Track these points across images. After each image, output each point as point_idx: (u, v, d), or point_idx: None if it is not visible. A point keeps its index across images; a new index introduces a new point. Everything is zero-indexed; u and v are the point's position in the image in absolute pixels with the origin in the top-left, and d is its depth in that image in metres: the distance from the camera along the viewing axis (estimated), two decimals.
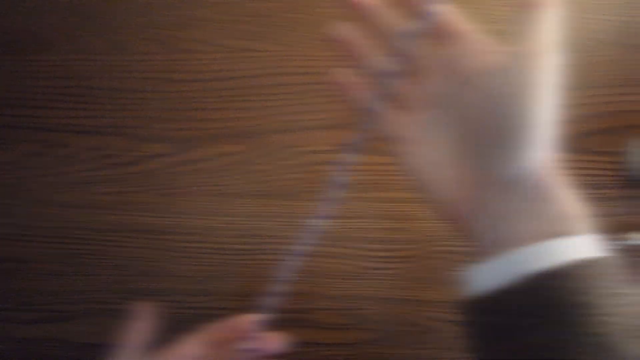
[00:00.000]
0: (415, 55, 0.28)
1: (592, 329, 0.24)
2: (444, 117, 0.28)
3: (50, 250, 0.49)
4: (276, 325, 0.47)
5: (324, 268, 0.47)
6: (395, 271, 0.47)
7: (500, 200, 0.26)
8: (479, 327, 0.27)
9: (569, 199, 0.28)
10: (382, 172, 0.47)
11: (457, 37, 0.29)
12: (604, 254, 0.27)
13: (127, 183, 0.48)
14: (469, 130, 0.27)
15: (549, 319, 0.25)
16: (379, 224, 0.47)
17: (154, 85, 0.48)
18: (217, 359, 0.36)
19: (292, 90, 0.48)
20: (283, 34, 0.48)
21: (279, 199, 0.47)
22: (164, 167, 0.48)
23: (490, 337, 0.27)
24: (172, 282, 0.48)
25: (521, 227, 0.26)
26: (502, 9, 0.47)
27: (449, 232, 0.47)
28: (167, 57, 0.48)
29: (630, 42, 0.46)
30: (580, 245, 0.27)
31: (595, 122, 0.46)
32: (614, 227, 0.46)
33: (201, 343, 0.36)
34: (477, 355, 0.27)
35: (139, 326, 0.37)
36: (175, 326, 0.49)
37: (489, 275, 0.26)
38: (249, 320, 0.37)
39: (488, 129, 0.27)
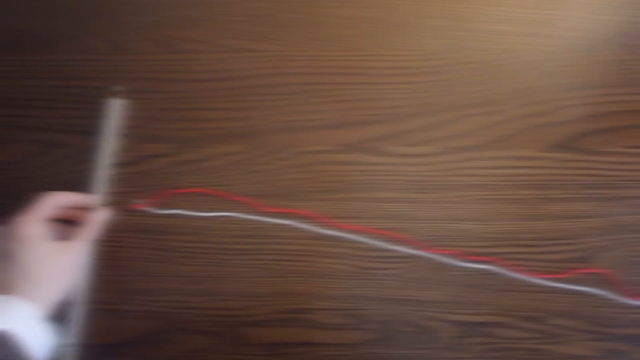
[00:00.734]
0: None
1: None
2: None
3: None
4: (275, 324, 0.47)
5: (324, 268, 0.47)
6: (395, 271, 0.47)
7: None
8: None
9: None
10: (382, 172, 0.47)
11: None
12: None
13: (127, 183, 0.48)
14: None
15: None
16: (379, 224, 0.47)
17: (154, 85, 0.48)
18: (53, 234, 0.42)
19: (292, 90, 0.48)
20: (283, 34, 0.48)
21: (279, 199, 0.47)
22: (164, 167, 0.48)
23: None
24: (172, 282, 0.48)
25: None
26: (502, 9, 0.47)
27: (449, 232, 0.47)
28: (167, 57, 0.48)
29: (630, 42, 0.46)
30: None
31: (595, 122, 0.46)
32: (613, 227, 0.46)
33: (38, 221, 0.42)
34: None
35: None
36: (175, 326, 0.49)
37: None
38: (74, 196, 0.44)
39: None
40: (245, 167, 0.48)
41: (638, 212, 0.45)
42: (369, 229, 0.47)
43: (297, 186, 0.47)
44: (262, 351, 0.48)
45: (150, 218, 0.48)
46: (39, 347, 0.39)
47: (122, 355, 0.47)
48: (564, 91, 0.46)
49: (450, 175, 0.46)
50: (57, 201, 0.43)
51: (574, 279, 0.46)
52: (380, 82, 0.47)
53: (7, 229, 0.42)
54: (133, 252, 0.48)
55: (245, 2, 0.48)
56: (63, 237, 0.43)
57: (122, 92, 0.48)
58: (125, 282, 0.48)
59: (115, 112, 0.48)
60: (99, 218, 0.45)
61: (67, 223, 0.44)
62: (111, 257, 0.48)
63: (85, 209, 0.45)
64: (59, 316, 0.48)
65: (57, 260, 0.42)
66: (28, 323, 0.38)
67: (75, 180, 0.49)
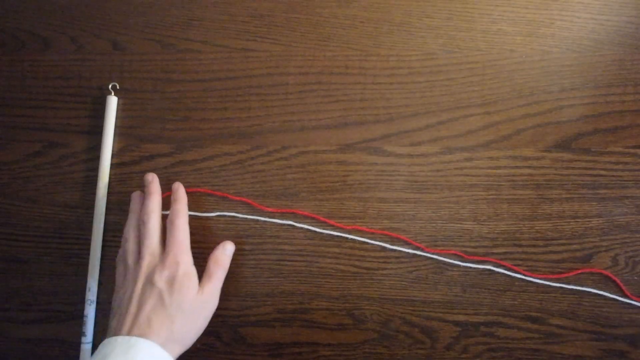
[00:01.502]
0: None
1: None
2: None
3: (50, 250, 0.49)
4: (275, 324, 0.48)
5: (324, 268, 0.47)
6: (395, 271, 0.47)
7: None
8: None
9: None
10: (382, 172, 0.47)
11: None
12: None
13: (126, 183, 0.48)
14: None
15: None
16: (379, 224, 0.47)
17: (154, 85, 0.48)
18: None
19: (292, 90, 0.48)
20: (283, 34, 0.48)
21: (279, 199, 0.47)
22: (164, 167, 0.48)
23: None
24: None
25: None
26: (502, 9, 0.47)
27: (449, 232, 0.47)
28: (167, 57, 0.48)
29: (630, 42, 0.46)
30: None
31: (595, 122, 0.46)
32: (613, 227, 0.46)
33: (190, 259, 0.44)
34: None
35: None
36: None
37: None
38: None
39: None
40: (245, 167, 0.48)
41: (638, 212, 0.45)
42: (368, 229, 0.47)
43: (297, 186, 0.47)
44: (262, 351, 0.48)
45: None
46: None
47: None
48: (564, 91, 0.46)
49: (450, 175, 0.46)
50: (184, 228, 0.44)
51: (574, 278, 0.46)
52: (380, 82, 0.47)
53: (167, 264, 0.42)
54: None
55: (245, 2, 0.48)
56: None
57: (122, 92, 0.48)
58: None
59: (115, 112, 0.48)
60: (227, 254, 0.45)
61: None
62: (111, 257, 0.48)
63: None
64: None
65: (199, 307, 0.42)
66: None
67: (75, 180, 0.49)
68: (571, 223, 0.46)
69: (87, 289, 0.47)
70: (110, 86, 0.48)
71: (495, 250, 0.46)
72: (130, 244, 0.44)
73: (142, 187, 0.48)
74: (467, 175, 0.46)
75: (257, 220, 0.47)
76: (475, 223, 0.46)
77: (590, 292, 0.45)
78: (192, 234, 0.47)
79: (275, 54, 0.48)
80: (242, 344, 0.48)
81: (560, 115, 0.46)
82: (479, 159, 0.46)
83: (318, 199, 0.47)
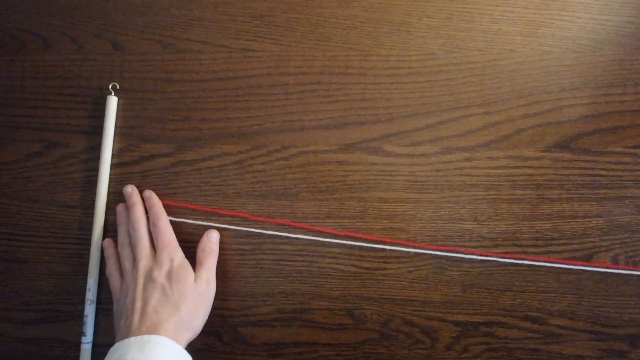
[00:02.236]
0: None
1: None
2: None
3: (50, 250, 0.49)
4: (275, 324, 0.48)
5: (324, 268, 0.47)
6: (395, 271, 0.47)
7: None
8: None
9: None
10: (382, 172, 0.47)
11: None
12: None
13: (126, 183, 0.48)
14: None
15: None
16: (379, 224, 0.47)
17: (154, 85, 0.48)
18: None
19: (292, 90, 0.48)
20: (283, 34, 0.48)
21: (279, 199, 0.47)
22: (164, 167, 0.48)
23: None
24: None
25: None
26: (502, 9, 0.47)
27: (449, 232, 0.47)
28: (167, 57, 0.48)
29: (630, 42, 0.46)
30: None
31: (595, 122, 0.46)
32: (613, 227, 0.46)
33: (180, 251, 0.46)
34: None
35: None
36: None
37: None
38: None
39: None
40: (245, 167, 0.48)
41: (638, 212, 0.45)
42: (369, 229, 0.47)
43: (297, 186, 0.47)
44: (262, 351, 0.48)
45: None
46: None
47: None
48: (564, 91, 0.46)
49: (450, 175, 0.46)
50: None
51: (573, 278, 0.46)
52: (380, 82, 0.47)
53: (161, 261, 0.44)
54: None
55: (245, 2, 0.48)
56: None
57: (122, 92, 0.48)
58: None
59: (115, 112, 0.48)
60: (213, 241, 0.47)
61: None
62: None
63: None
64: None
65: (200, 293, 0.44)
66: None
67: (75, 180, 0.49)
68: (571, 223, 0.46)
69: (87, 289, 0.47)
70: (110, 86, 0.48)
71: (495, 250, 0.46)
72: (125, 252, 0.46)
73: (142, 187, 0.48)
74: (467, 175, 0.46)
75: (257, 220, 0.47)
76: (475, 223, 0.46)
77: (590, 291, 0.45)
78: (192, 234, 0.47)
79: (275, 54, 0.48)
80: (242, 344, 0.48)
81: (560, 115, 0.46)
82: (478, 159, 0.46)
83: (318, 199, 0.47)
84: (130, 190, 0.47)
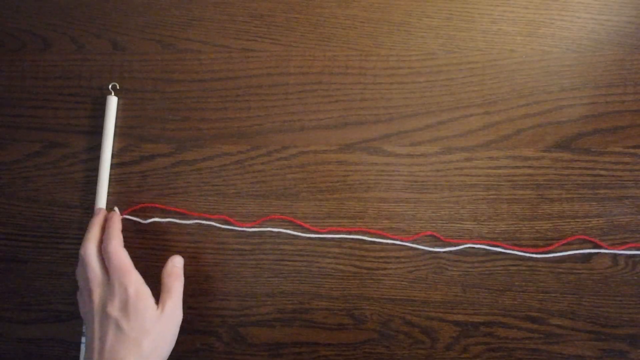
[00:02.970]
0: None
1: None
2: None
3: (49, 250, 0.49)
4: (275, 324, 0.48)
5: (324, 268, 0.47)
6: (395, 271, 0.47)
7: None
8: None
9: None
10: (382, 172, 0.47)
11: None
12: None
13: (126, 183, 0.48)
14: None
15: None
16: (380, 224, 0.47)
17: (154, 85, 0.48)
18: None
19: (292, 90, 0.48)
20: (283, 34, 0.48)
21: (279, 199, 0.47)
22: (164, 167, 0.48)
23: None
24: None
25: None
26: (502, 9, 0.47)
27: (449, 232, 0.47)
28: (167, 57, 0.48)
29: (630, 42, 0.46)
30: None
31: (595, 122, 0.46)
32: (613, 227, 0.46)
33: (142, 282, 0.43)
34: None
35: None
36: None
37: None
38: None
39: None
40: (245, 167, 0.48)
41: (638, 212, 0.45)
42: (369, 229, 0.47)
43: (297, 186, 0.47)
44: (262, 351, 0.48)
45: (150, 218, 0.48)
46: None
47: None
48: (564, 91, 0.46)
49: (450, 175, 0.46)
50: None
51: (573, 278, 0.46)
52: (380, 82, 0.47)
53: (117, 289, 0.41)
54: (133, 252, 0.48)
55: (245, 2, 0.48)
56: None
57: (122, 92, 0.48)
58: None
59: (115, 112, 0.48)
60: (178, 267, 0.45)
61: None
62: None
63: None
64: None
65: (164, 323, 0.41)
66: None
67: (75, 180, 0.49)
68: (571, 223, 0.46)
69: None
70: (110, 86, 0.48)
71: (495, 250, 0.46)
72: (80, 282, 0.44)
73: (142, 188, 0.48)
74: (467, 175, 0.46)
75: (257, 220, 0.47)
76: (475, 223, 0.46)
77: (589, 291, 0.45)
78: (192, 234, 0.47)
79: (275, 54, 0.48)
80: (242, 344, 0.48)
81: (560, 115, 0.46)
82: (478, 159, 0.46)
83: (318, 199, 0.47)
84: (97, 210, 0.46)
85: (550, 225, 0.46)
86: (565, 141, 0.46)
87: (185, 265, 0.47)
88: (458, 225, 0.46)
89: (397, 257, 0.47)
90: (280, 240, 0.47)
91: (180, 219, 0.47)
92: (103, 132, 0.47)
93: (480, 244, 0.46)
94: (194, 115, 0.48)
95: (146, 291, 0.41)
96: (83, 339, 0.47)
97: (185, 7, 0.49)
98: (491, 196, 0.46)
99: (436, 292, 0.47)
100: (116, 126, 0.48)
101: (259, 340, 0.48)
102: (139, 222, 0.48)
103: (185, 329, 0.47)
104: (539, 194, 0.46)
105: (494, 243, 0.46)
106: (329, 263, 0.47)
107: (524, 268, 0.46)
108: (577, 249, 0.45)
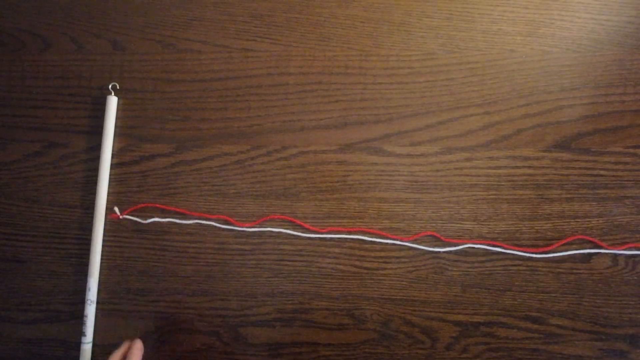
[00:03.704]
0: None
1: None
2: None
3: (49, 250, 0.49)
4: (275, 324, 0.48)
5: (324, 268, 0.47)
6: (395, 271, 0.47)
7: None
8: None
9: None
10: (382, 172, 0.47)
11: None
12: None
13: (126, 183, 0.48)
14: None
15: None
16: (380, 224, 0.47)
17: (154, 85, 0.48)
18: None
19: (292, 90, 0.48)
20: (283, 34, 0.48)
21: (279, 199, 0.47)
22: (164, 167, 0.48)
23: None
24: (172, 282, 0.48)
25: None
26: (502, 9, 0.47)
27: (449, 232, 0.47)
28: (167, 57, 0.48)
29: (630, 42, 0.46)
30: None
31: (595, 122, 0.46)
32: (613, 227, 0.46)
33: None
34: None
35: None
36: (175, 326, 0.49)
37: None
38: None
39: None
40: (245, 167, 0.48)
41: (638, 212, 0.45)
42: (369, 229, 0.47)
43: (297, 186, 0.47)
44: (262, 351, 0.48)
45: (150, 218, 0.48)
46: None
47: None
48: (564, 91, 0.46)
49: (450, 175, 0.46)
50: None
51: (573, 278, 0.46)
52: (380, 82, 0.47)
53: None
54: (133, 252, 0.48)
55: (245, 2, 0.48)
56: None
57: (122, 92, 0.48)
58: (125, 282, 0.48)
59: (115, 112, 0.48)
60: (139, 350, 0.45)
61: None
62: (111, 257, 0.48)
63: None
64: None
65: None
66: None
67: (75, 180, 0.49)
68: (571, 223, 0.46)
69: (87, 289, 0.47)
70: (110, 86, 0.48)
71: (495, 250, 0.46)
72: None
73: (142, 188, 0.48)
74: (467, 175, 0.46)
75: (257, 220, 0.47)
76: (475, 223, 0.46)
77: (589, 291, 0.45)
78: (191, 234, 0.47)
79: (275, 54, 0.48)
80: (242, 343, 0.48)
81: (560, 115, 0.46)
82: (478, 159, 0.46)
83: (318, 199, 0.47)
84: (125, 343, 0.45)
85: (550, 225, 0.46)
86: (565, 141, 0.46)
87: (186, 265, 0.47)
88: (458, 225, 0.46)
89: (397, 257, 0.47)
90: (280, 240, 0.47)
91: (180, 219, 0.48)
92: (103, 132, 0.47)
93: (480, 244, 0.46)
94: (194, 115, 0.48)
95: None
96: (83, 339, 0.47)
97: (185, 7, 0.49)
98: (491, 196, 0.46)
99: (436, 292, 0.47)
100: (116, 126, 0.48)
101: (259, 340, 0.48)
102: (139, 222, 0.48)
103: (185, 329, 0.47)
104: (539, 194, 0.46)
105: (494, 243, 0.46)
106: (329, 263, 0.47)
107: (524, 268, 0.46)
108: (577, 249, 0.45)
